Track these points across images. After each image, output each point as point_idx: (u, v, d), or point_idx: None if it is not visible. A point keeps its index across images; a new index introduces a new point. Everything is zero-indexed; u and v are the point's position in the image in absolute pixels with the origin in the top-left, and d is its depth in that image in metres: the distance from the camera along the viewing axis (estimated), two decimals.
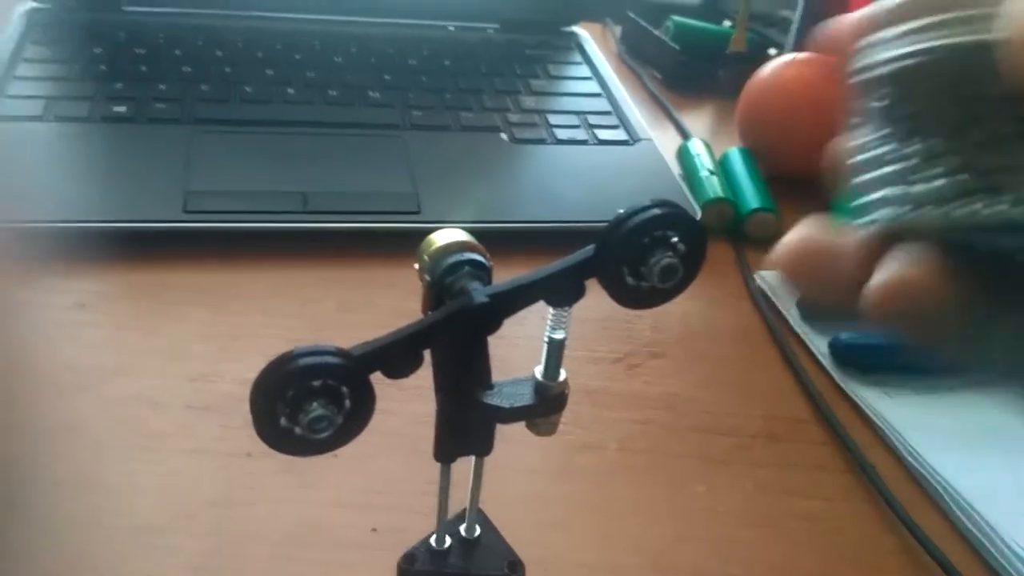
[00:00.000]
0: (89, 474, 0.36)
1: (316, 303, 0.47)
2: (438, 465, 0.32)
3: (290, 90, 0.61)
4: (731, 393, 0.45)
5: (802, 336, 0.49)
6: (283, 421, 0.26)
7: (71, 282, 0.46)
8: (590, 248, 0.29)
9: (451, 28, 0.74)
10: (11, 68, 0.60)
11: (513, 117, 0.62)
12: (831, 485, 0.41)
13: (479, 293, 0.28)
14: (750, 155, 0.61)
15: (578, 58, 0.72)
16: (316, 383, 0.26)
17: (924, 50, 0.25)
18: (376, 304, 0.47)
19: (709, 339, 0.49)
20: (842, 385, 0.46)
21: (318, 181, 0.53)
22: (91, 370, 0.41)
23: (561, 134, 0.61)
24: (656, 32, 0.79)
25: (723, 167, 0.60)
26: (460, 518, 0.35)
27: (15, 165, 0.51)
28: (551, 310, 0.30)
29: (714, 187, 0.57)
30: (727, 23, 0.82)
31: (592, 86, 0.68)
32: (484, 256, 0.29)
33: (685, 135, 0.66)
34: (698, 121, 0.71)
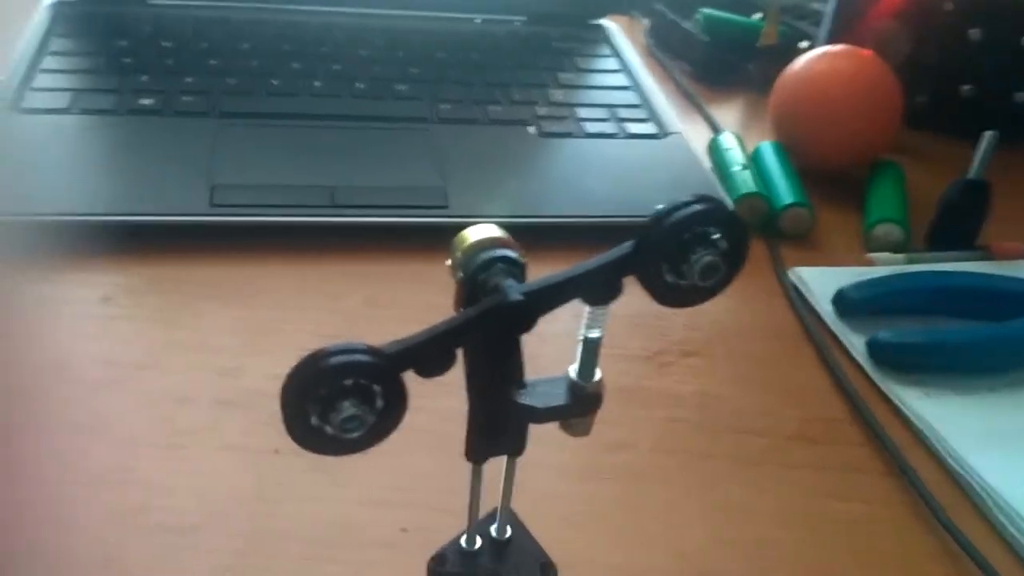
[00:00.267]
0: (118, 471, 0.36)
1: (343, 298, 0.47)
2: (468, 464, 0.31)
3: (317, 83, 0.61)
4: (765, 392, 0.44)
5: (838, 334, 0.48)
6: (314, 420, 0.25)
7: (97, 275, 0.46)
8: (628, 244, 0.28)
9: (478, 21, 0.73)
10: (37, 61, 0.59)
11: (541, 110, 0.61)
12: (869, 488, 0.40)
13: (513, 291, 0.27)
14: (783, 149, 0.59)
15: (606, 51, 0.71)
16: (348, 382, 0.25)
17: None
18: (404, 300, 0.47)
19: (742, 337, 0.48)
20: (880, 385, 0.45)
21: (345, 175, 0.52)
22: (119, 365, 0.41)
23: (590, 127, 0.60)
24: (686, 24, 0.78)
25: (755, 161, 0.59)
26: (491, 518, 0.34)
27: (41, 158, 0.51)
28: (587, 308, 0.29)
29: (747, 181, 0.56)
30: (757, 16, 0.81)
31: (621, 79, 0.67)
32: (518, 253, 0.29)
33: (716, 129, 0.65)
34: (728, 115, 0.70)
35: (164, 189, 0.50)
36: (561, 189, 0.54)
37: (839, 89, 0.59)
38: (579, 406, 0.30)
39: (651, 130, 0.60)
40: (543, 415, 0.29)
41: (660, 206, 0.27)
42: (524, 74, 0.66)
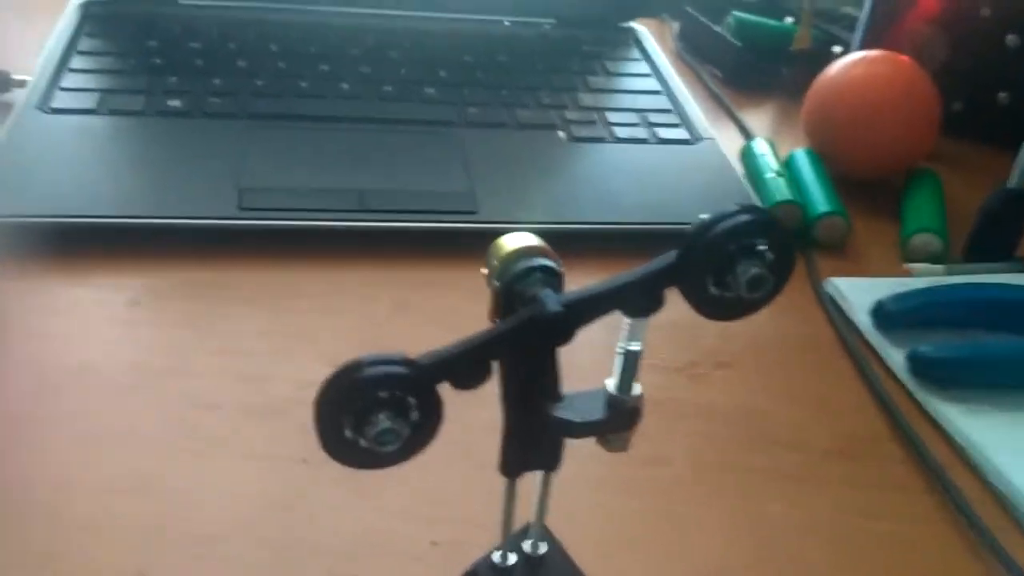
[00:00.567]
0: (144, 479, 0.36)
1: (372, 303, 0.46)
2: (501, 478, 0.31)
3: (344, 85, 0.61)
4: (801, 406, 0.43)
5: (876, 347, 0.46)
6: (348, 433, 0.25)
7: (123, 279, 0.46)
8: (670, 255, 0.27)
9: (507, 23, 0.73)
10: (66, 61, 0.59)
11: (571, 115, 0.60)
12: (910, 506, 0.39)
13: (552, 301, 0.26)
14: (817, 156, 0.58)
15: (636, 54, 0.70)
16: (383, 394, 0.24)
17: None
18: (433, 306, 0.46)
19: (777, 349, 0.47)
20: (920, 400, 0.43)
21: (373, 178, 0.52)
22: (145, 369, 0.41)
23: (620, 132, 0.59)
24: (716, 28, 0.77)
25: (789, 169, 0.58)
26: (524, 533, 0.33)
27: (68, 159, 0.51)
28: (626, 320, 0.28)
29: (781, 189, 0.55)
30: (788, 19, 0.80)
31: (651, 83, 0.66)
32: (556, 262, 0.28)
33: (747, 135, 0.64)
34: (760, 121, 0.69)
35: (192, 192, 0.49)
36: (591, 195, 0.53)
37: (876, 95, 0.57)
38: (617, 421, 0.29)
39: (682, 135, 0.60)
40: (580, 430, 0.29)
41: (704, 216, 0.26)
42: (553, 78, 0.65)
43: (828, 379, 0.45)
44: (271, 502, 0.35)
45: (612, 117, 0.61)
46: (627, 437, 0.30)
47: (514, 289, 0.27)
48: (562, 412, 0.28)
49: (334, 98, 0.59)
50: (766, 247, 0.26)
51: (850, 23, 0.75)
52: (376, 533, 0.34)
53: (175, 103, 0.56)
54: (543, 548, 0.33)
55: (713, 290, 0.27)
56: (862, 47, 0.66)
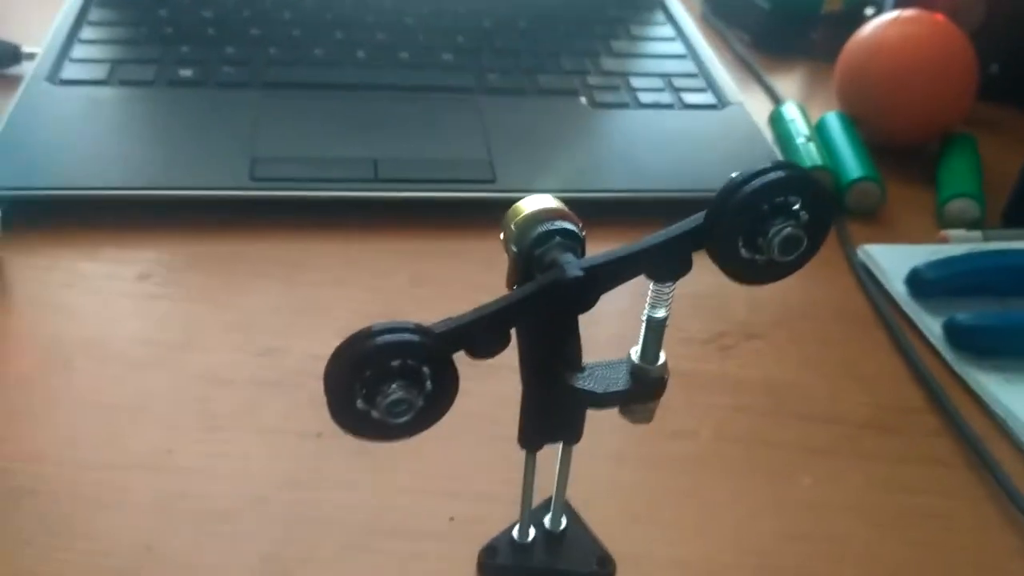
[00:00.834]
0: (157, 455, 0.35)
1: (388, 275, 0.45)
2: (520, 451, 0.29)
3: (360, 53, 0.59)
4: (835, 378, 0.41)
5: (911, 316, 0.45)
6: (360, 403, 0.24)
7: (134, 252, 0.45)
8: (699, 216, 0.25)
9: None
10: (75, 31, 0.58)
11: (593, 80, 0.58)
12: (947, 480, 0.37)
13: (572, 266, 0.25)
14: (849, 121, 0.56)
15: (661, 18, 0.68)
16: (395, 363, 0.23)
17: None
18: (451, 277, 0.45)
19: (808, 319, 0.45)
20: (957, 370, 0.42)
21: (389, 147, 0.50)
22: (156, 344, 0.40)
23: (644, 98, 0.57)
24: None
25: (820, 133, 0.56)
26: (544, 509, 0.32)
27: (78, 130, 0.50)
28: (651, 286, 0.27)
29: (811, 154, 0.53)
30: None
31: (677, 47, 0.64)
32: (576, 225, 0.26)
33: (777, 99, 0.62)
34: (789, 85, 0.67)
35: (203, 163, 0.48)
36: (615, 162, 0.52)
37: (911, 56, 0.55)
38: (642, 391, 0.28)
39: (709, 100, 0.58)
40: (603, 400, 0.27)
41: (735, 174, 0.25)
42: (574, 42, 0.63)
43: (861, 350, 0.43)
44: (284, 477, 0.34)
45: (636, 82, 0.59)
46: (651, 408, 0.28)
47: (533, 255, 0.26)
48: (583, 382, 0.27)
49: (349, 66, 0.58)
50: (800, 206, 0.25)
51: None
52: (392, 509, 0.33)
53: (186, 73, 0.55)
54: (563, 523, 0.32)
55: (744, 252, 0.25)
56: (896, 7, 0.63)
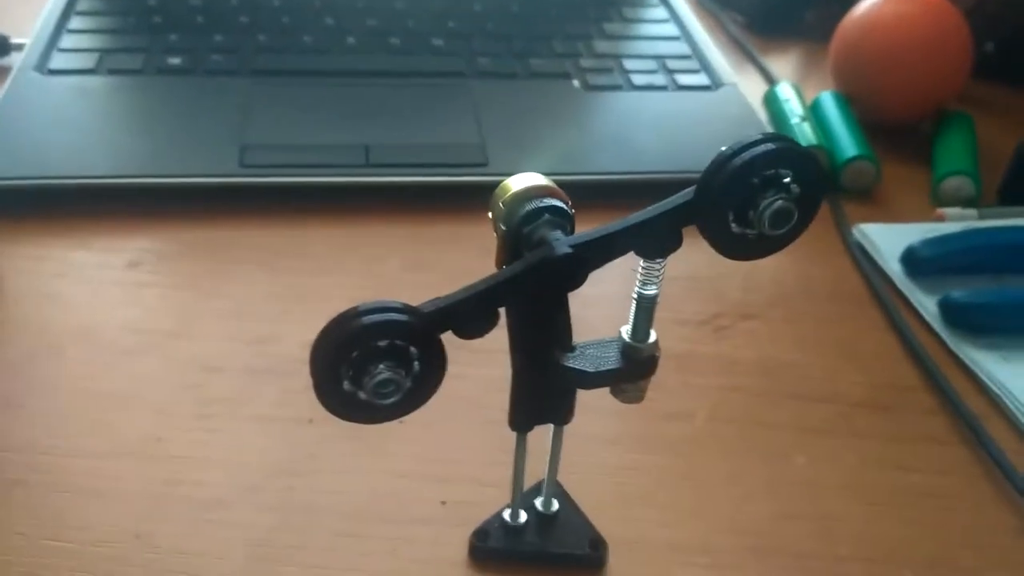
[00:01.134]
0: (148, 442, 0.35)
1: (380, 261, 0.45)
2: (512, 434, 0.29)
3: (350, 39, 0.59)
4: (830, 358, 0.41)
5: (907, 294, 0.44)
6: (346, 385, 0.23)
7: (124, 240, 0.45)
8: (689, 191, 0.25)
9: None
10: (64, 21, 0.58)
11: (585, 63, 0.58)
12: (943, 458, 0.37)
13: (561, 243, 0.25)
14: (844, 100, 0.56)
15: None
16: (382, 343, 0.23)
17: None
18: (443, 262, 0.45)
19: (803, 299, 0.45)
20: (953, 348, 0.41)
21: (381, 133, 0.50)
22: (146, 332, 0.40)
23: (637, 80, 0.57)
24: None
25: (815, 113, 0.55)
26: (536, 491, 0.32)
27: (67, 119, 0.50)
28: (641, 263, 0.26)
29: (806, 134, 0.52)
30: None
31: (670, 28, 0.63)
32: (566, 202, 0.26)
33: (771, 80, 0.62)
34: (784, 66, 0.66)
35: (193, 150, 0.48)
36: (608, 144, 0.51)
37: (905, 34, 0.55)
38: (633, 369, 0.27)
39: (703, 82, 0.57)
40: (593, 379, 0.27)
41: (724, 147, 0.25)
42: (566, 25, 0.63)
43: (857, 329, 0.43)
44: (276, 464, 0.34)
45: (629, 64, 0.58)
46: (643, 387, 0.28)
47: (521, 232, 0.26)
48: (573, 361, 0.27)
49: (339, 52, 0.57)
50: (791, 179, 0.24)
51: None
52: (384, 494, 0.33)
53: (175, 61, 0.55)
54: (555, 506, 0.32)
55: (734, 227, 0.25)
56: None
